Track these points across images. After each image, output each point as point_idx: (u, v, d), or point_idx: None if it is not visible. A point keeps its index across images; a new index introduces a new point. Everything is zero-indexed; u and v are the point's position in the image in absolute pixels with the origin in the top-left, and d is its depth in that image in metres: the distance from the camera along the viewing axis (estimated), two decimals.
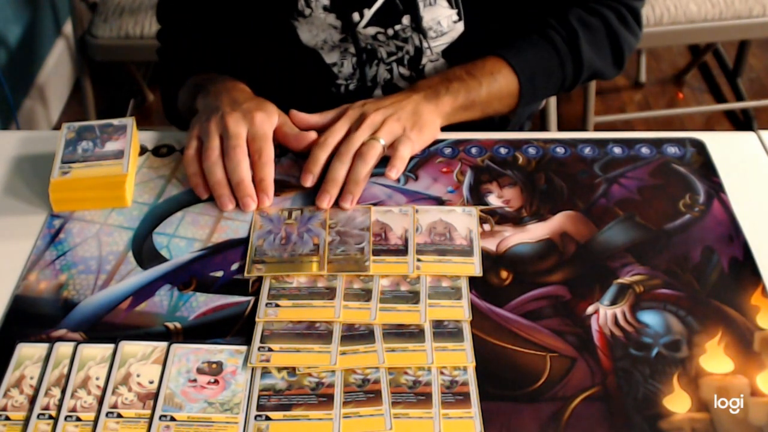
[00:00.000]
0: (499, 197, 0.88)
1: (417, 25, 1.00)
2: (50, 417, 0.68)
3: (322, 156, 0.88)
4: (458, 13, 1.01)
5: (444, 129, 0.97)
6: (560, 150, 0.94)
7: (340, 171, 0.87)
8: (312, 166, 0.88)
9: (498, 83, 0.97)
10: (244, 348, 0.73)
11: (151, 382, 0.71)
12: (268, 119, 0.89)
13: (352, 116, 0.91)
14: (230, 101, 0.91)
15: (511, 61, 0.97)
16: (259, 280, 0.79)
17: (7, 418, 0.69)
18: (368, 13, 0.99)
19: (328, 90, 1.06)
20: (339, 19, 0.99)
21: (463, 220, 0.85)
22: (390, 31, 1.01)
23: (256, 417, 0.68)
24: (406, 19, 1.00)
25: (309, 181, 0.88)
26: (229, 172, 0.87)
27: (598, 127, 2.08)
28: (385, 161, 0.92)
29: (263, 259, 0.81)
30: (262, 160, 0.87)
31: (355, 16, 0.99)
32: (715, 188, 0.89)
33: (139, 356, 0.73)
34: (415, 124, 0.92)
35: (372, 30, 1.00)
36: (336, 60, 1.03)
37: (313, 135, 0.90)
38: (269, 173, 0.88)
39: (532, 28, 1.02)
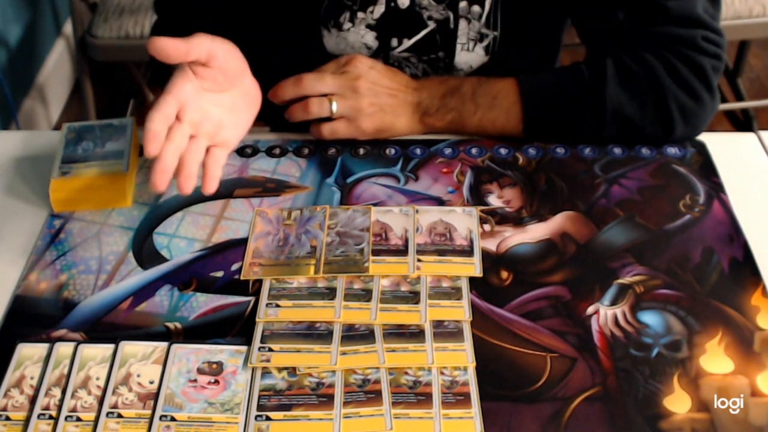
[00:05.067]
0: (500, 197, 0.88)
1: (450, 61, 1.01)
2: (50, 417, 0.68)
3: (291, 93, 0.92)
4: (491, 59, 1.01)
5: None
6: (560, 150, 0.94)
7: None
8: (281, 92, 0.93)
9: (496, 111, 0.92)
10: (244, 348, 0.73)
11: (152, 382, 0.71)
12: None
13: (341, 81, 0.92)
14: None
15: (522, 86, 0.92)
16: (259, 280, 0.79)
17: (8, 418, 0.69)
18: (407, 42, 1.00)
19: None
20: (377, 39, 1.00)
21: (463, 220, 0.85)
22: (423, 58, 1.02)
23: (256, 417, 0.68)
24: (441, 53, 1.00)
25: (276, 98, 0.93)
26: None
27: None
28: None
29: (260, 261, 0.81)
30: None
31: (393, 41, 1.00)
32: (715, 188, 0.89)
33: (140, 356, 0.73)
34: (377, 125, 0.93)
35: (405, 54, 1.01)
36: None
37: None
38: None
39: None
